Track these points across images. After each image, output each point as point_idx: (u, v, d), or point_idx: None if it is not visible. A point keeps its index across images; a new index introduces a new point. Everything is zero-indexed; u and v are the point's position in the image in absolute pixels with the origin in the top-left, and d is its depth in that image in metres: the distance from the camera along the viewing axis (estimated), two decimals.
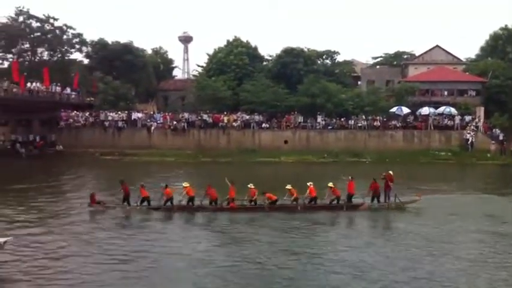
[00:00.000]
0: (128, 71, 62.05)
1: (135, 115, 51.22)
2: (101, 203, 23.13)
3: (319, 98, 50.69)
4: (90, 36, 79.70)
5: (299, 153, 45.91)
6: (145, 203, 22.98)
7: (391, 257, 16.39)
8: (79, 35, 63.85)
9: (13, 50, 61.63)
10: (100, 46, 64.09)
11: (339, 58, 67.13)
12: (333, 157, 45.03)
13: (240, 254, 16.56)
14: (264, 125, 49.32)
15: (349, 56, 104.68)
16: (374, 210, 23.42)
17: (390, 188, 24.25)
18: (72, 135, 49.23)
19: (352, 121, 49.30)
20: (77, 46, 64.29)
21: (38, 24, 61.91)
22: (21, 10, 61.05)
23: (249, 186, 23.36)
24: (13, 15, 60.92)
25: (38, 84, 46.85)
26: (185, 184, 23.52)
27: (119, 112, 51.56)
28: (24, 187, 28.32)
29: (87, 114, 51.80)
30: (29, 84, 45.93)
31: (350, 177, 24.29)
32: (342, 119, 49.69)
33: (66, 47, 63.57)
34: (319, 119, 49.71)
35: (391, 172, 24.92)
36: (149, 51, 75.19)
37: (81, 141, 48.38)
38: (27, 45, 62.27)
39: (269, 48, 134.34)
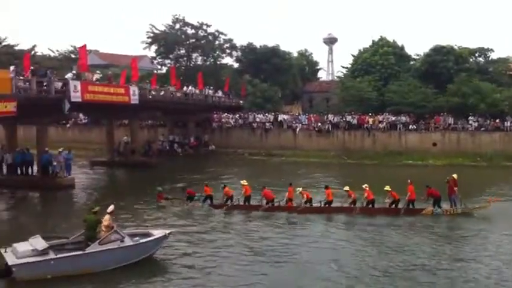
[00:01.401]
0: (275, 73, 64.10)
1: (281, 117, 52.67)
2: (168, 198, 25.70)
3: (471, 98, 48.19)
4: (240, 41, 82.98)
5: (449, 156, 43.77)
6: (208, 201, 24.90)
7: None
8: (230, 40, 67.16)
9: (170, 56, 66.47)
10: (249, 50, 66.94)
11: (493, 55, 63.14)
12: (486, 161, 42.43)
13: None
14: (411, 126, 47.83)
15: (505, 53, 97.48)
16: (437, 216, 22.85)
17: (455, 193, 23.35)
18: (223, 136, 51.96)
19: (508, 123, 46.01)
20: (228, 51, 67.69)
21: (193, 31, 66.06)
22: (177, 18, 65.59)
23: (299, 189, 24.31)
24: (170, 24, 65.84)
25: (193, 87, 50.43)
26: (243, 182, 24.74)
27: (266, 114, 53.49)
28: (174, 186, 30.25)
29: (236, 116, 54.37)
30: (184, 88, 49.62)
31: (409, 181, 23.70)
32: (497, 120, 46.66)
33: (218, 52, 67.13)
34: (471, 120, 47.19)
35: (455, 176, 23.89)
36: (295, 54, 76.70)
37: (231, 142, 50.81)
38: (183, 51, 66.69)
39: (416, 47, 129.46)
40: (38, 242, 15.00)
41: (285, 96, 65.41)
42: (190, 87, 50.02)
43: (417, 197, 23.47)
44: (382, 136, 47.72)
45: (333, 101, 61.86)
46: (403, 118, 48.59)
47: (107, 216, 15.83)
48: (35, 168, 32.00)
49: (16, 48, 68.15)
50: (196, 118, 52.09)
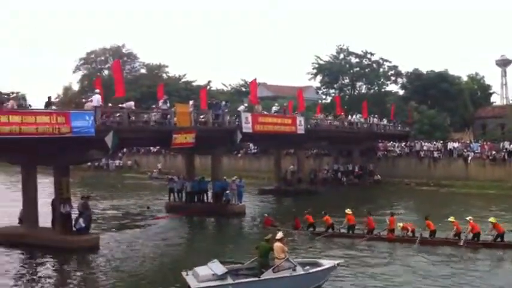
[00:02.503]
0: (443, 99, 61.82)
1: (451, 145, 50.18)
2: (275, 226, 26.25)
3: None
4: (405, 67, 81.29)
5: None
6: (310, 229, 25.75)
7: None
8: (394, 67, 66.60)
9: (335, 86, 67.71)
10: (415, 76, 65.48)
11: None
12: None
13: None
14: None
15: None
16: None
17: None
18: (388, 165, 50.80)
19: None
20: (393, 78, 67.19)
21: (357, 60, 66.76)
22: (341, 48, 66.94)
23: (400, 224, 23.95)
24: (334, 54, 67.14)
25: (358, 116, 50.50)
26: (348, 211, 24.82)
27: (434, 142, 51.41)
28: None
29: (402, 144, 53.07)
30: (349, 117, 49.90)
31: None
32: None
33: (382, 80, 66.90)
34: None
35: None
36: (465, 78, 73.15)
37: (397, 171, 49.45)
38: (347, 80, 67.53)
39: None
40: (217, 267, 15.98)
41: (454, 123, 62.52)
42: (355, 116, 50.16)
43: None
44: None
45: (508, 127, 57.67)
46: None
47: (279, 243, 16.37)
48: (209, 195, 34.42)
49: (194, 84, 74.86)
50: (361, 147, 51.73)
